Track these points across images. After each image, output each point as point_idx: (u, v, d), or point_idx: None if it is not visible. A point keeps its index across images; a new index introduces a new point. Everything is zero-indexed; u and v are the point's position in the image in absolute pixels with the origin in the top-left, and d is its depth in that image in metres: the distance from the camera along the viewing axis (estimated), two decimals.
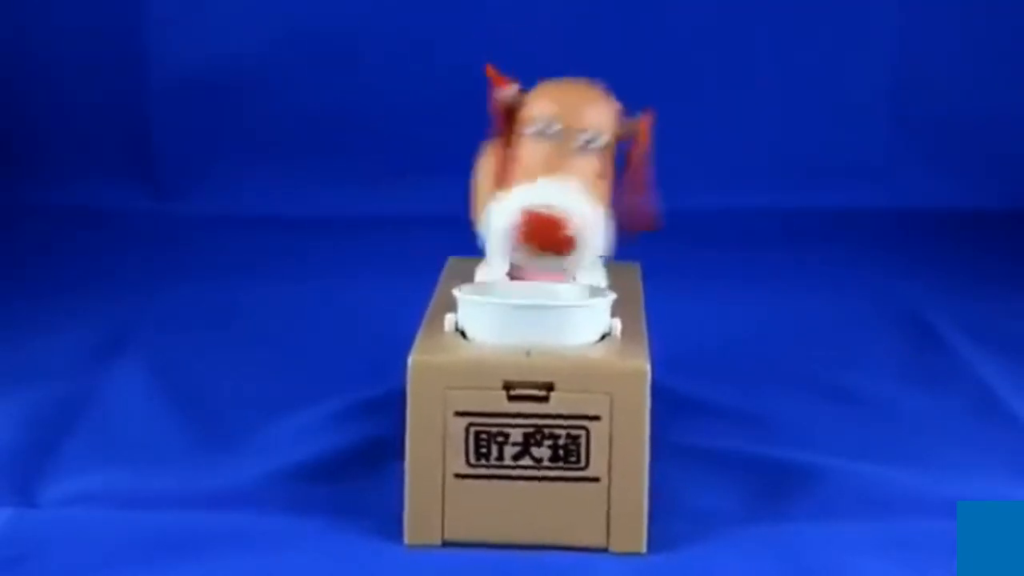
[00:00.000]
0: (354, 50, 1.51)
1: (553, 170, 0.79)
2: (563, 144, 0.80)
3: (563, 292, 0.79)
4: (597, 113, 0.81)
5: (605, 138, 0.80)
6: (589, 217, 0.77)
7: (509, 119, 0.82)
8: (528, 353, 0.73)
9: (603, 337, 0.75)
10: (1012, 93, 1.54)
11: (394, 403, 0.76)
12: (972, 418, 0.93)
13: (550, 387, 0.72)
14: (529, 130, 0.80)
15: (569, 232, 0.77)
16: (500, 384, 0.72)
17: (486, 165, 0.84)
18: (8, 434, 0.88)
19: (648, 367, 0.72)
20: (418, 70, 1.48)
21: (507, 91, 0.82)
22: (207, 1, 1.52)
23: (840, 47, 1.53)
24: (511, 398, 0.72)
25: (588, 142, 0.80)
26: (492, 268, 0.80)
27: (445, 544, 0.73)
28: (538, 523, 0.73)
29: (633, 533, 0.73)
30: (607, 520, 0.73)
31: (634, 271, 0.89)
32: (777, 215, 1.45)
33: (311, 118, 1.52)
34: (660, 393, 0.78)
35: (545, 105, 0.80)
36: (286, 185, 1.50)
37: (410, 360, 0.73)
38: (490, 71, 0.82)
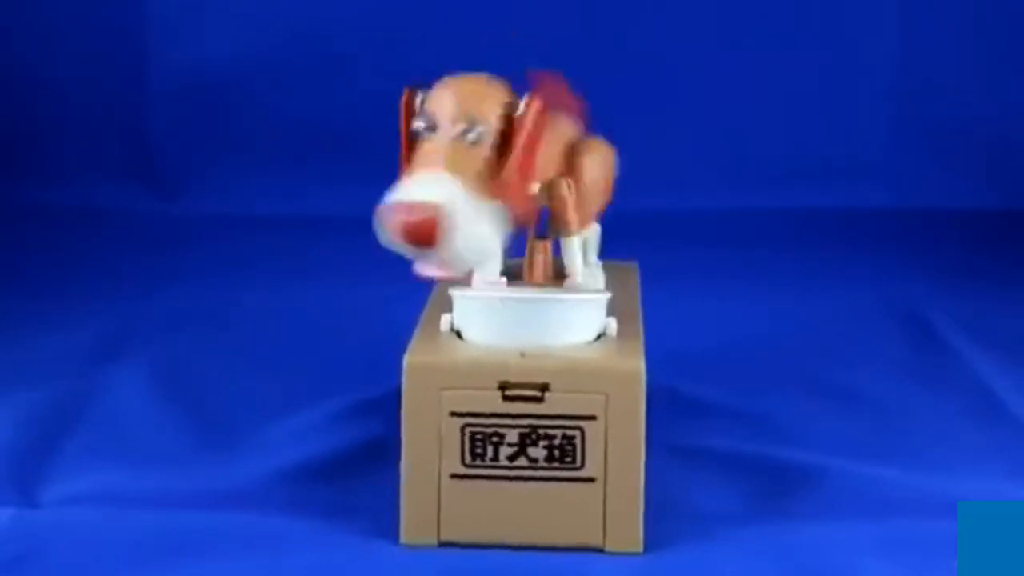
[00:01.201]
0: (354, 50, 1.51)
1: (427, 165, 0.75)
2: (441, 138, 0.75)
3: (560, 292, 0.79)
4: (476, 105, 0.76)
5: (486, 131, 0.75)
6: (452, 207, 0.72)
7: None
8: (523, 354, 0.73)
9: (599, 337, 0.75)
10: (1012, 93, 1.54)
11: (392, 403, 0.76)
12: (972, 418, 0.93)
13: (545, 387, 0.72)
14: (413, 127, 0.77)
15: (428, 225, 0.72)
16: (495, 384, 0.72)
17: None
18: (8, 434, 0.88)
19: (643, 367, 0.72)
20: (416, 71, 1.48)
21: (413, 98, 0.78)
22: (207, 2, 1.52)
23: (841, 46, 1.53)
24: (506, 398, 0.72)
25: (465, 133, 0.75)
26: (487, 271, 0.80)
27: (441, 544, 0.73)
28: (534, 523, 0.73)
29: (629, 533, 0.73)
30: (603, 520, 0.73)
31: (632, 271, 0.89)
32: (777, 215, 1.45)
33: (311, 119, 1.52)
34: (658, 393, 0.77)
35: (428, 103, 0.77)
36: (286, 185, 1.50)
37: (405, 361, 0.73)
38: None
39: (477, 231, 0.73)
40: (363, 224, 1.42)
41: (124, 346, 1.05)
